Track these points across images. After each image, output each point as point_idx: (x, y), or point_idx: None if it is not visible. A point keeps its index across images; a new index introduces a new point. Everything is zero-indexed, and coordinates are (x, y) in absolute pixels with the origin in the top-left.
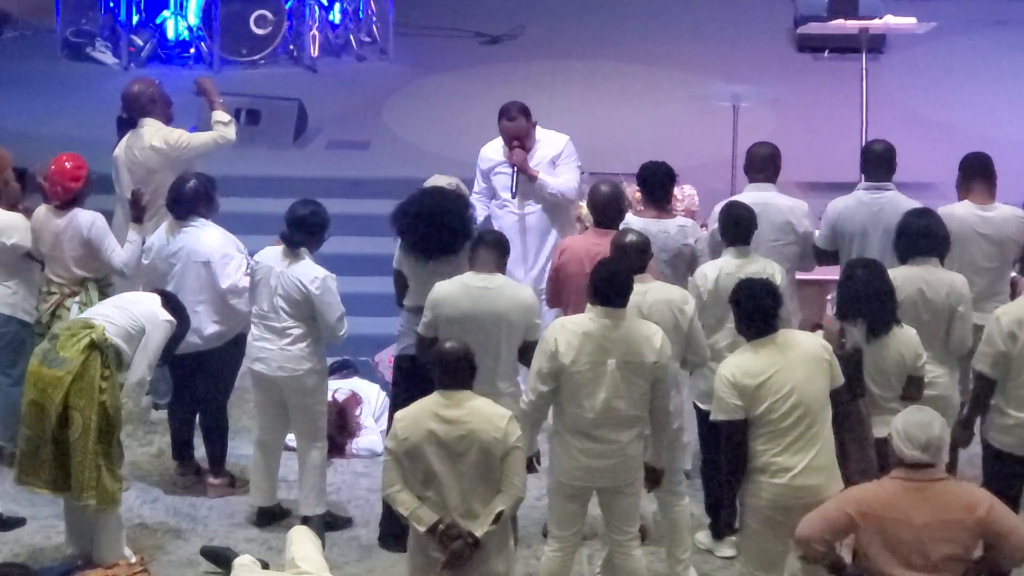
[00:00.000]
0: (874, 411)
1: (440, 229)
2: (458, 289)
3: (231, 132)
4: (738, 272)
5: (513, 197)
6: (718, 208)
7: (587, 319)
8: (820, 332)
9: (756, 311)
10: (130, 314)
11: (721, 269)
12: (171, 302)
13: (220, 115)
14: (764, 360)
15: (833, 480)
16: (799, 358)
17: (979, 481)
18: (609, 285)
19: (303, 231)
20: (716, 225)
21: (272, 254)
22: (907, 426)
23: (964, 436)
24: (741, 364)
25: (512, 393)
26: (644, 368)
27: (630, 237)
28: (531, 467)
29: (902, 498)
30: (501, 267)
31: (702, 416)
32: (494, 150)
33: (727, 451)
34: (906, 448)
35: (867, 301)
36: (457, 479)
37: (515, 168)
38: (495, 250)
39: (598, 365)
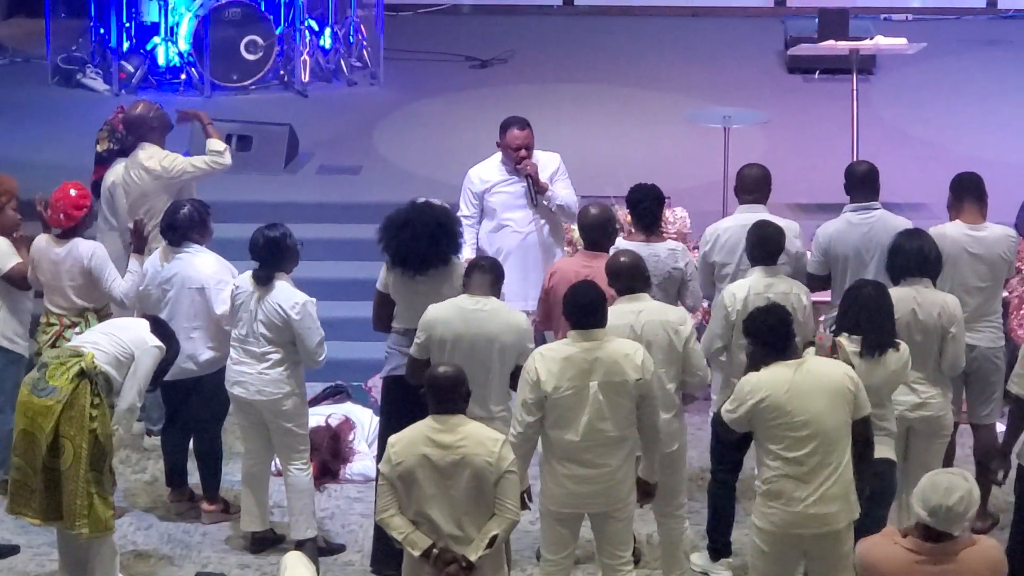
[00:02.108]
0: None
1: (425, 241)
2: (451, 311)
3: (226, 159)
4: (766, 292)
5: (535, 205)
6: (709, 230)
7: (565, 344)
8: (811, 348)
9: (769, 336)
10: (119, 340)
11: (750, 289)
12: (160, 327)
13: (215, 144)
14: (781, 384)
15: (846, 509)
16: (821, 388)
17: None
18: (580, 308)
19: (266, 260)
20: (708, 247)
21: (249, 279)
22: (927, 485)
23: (1003, 464)
24: (763, 381)
25: (504, 417)
26: (627, 387)
27: (621, 259)
28: (523, 504)
29: (914, 570)
30: (496, 292)
31: (720, 432)
32: (488, 170)
33: (720, 446)
34: (917, 506)
35: (872, 319)
36: (449, 503)
37: (529, 179)
38: (490, 275)
39: (581, 389)
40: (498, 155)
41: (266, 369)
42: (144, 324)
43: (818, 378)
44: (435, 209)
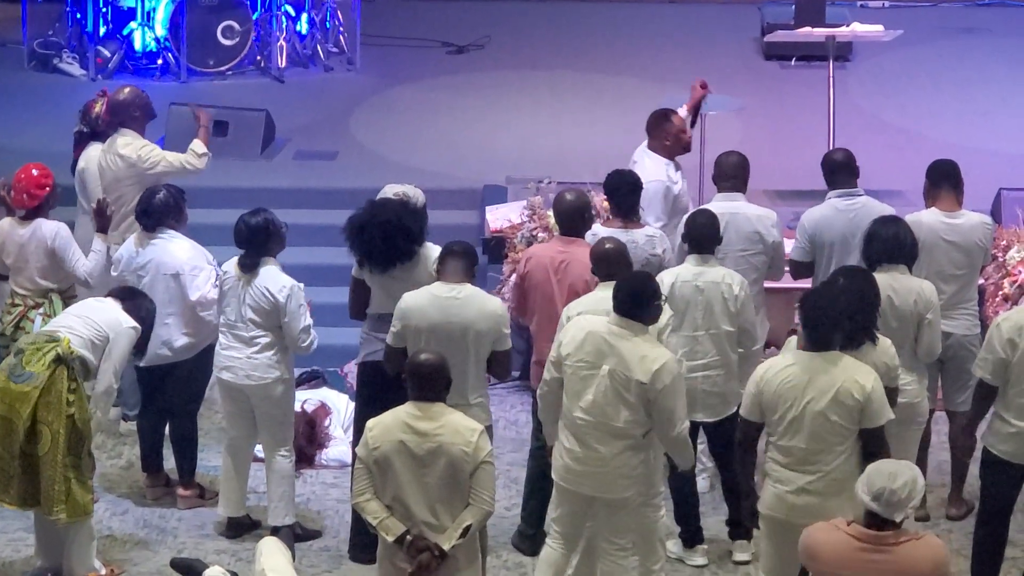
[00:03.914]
0: None
1: (382, 243)
2: (426, 299)
3: (201, 163)
4: (695, 280)
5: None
6: (686, 217)
7: (602, 320)
8: (794, 338)
9: (815, 323)
10: (93, 324)
11: (678, 276)
12: (132, 296)
13: (198, 145)
14: (796, 376)
15: (835, 507)
16: (830, 388)
17: (947, 489)
18: (627, 296)
19: (251, 247)
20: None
21: (235, 265)
22: (872, 471)
23: (967, 443)
24: (774, 369)
25: (481, 403)
26: (631, 385)
27: (607, 246)
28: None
29: (853, 557)
30: (470, 277)
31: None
32: (668, 169)
33: (738, 447)
34: (861, 491)
35: (840, 312)
36: (424, 491)
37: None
38: (463, 260)
39: (592, 367)
40: (650, 155)
41: (255, 353)
42: (117, 305)
43: (832, 378)
44: (391, 208)
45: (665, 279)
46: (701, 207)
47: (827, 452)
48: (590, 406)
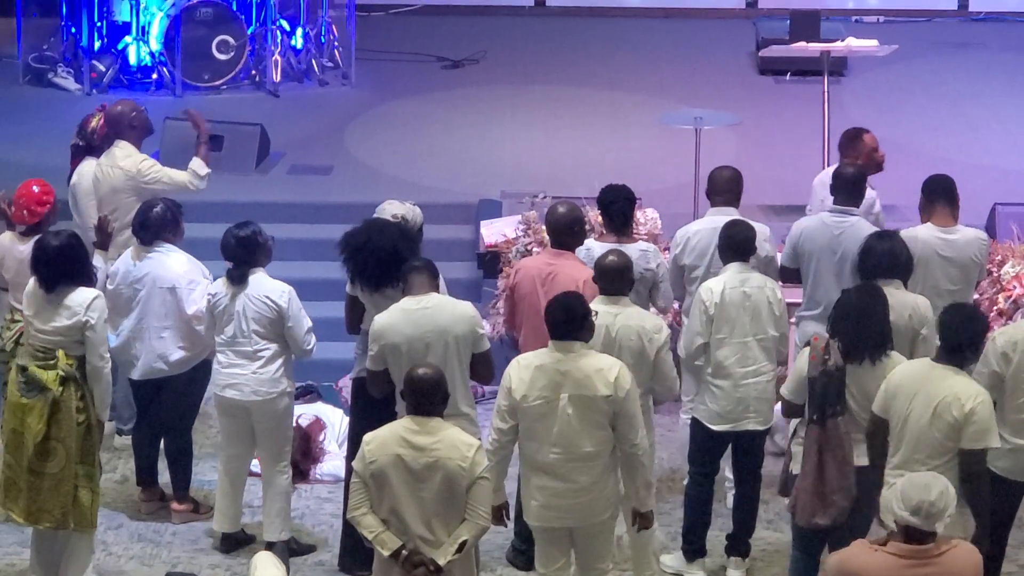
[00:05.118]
0: (856, 432)
1: (380, 266)
2: (398, 316)
3: (202, 184)
4: (742, 286)
5: None
6: (679, 233)
7: (542, 353)
8: (806, 350)
9: (952, 338)
10: (61, 327)
11: (726, 283)
12: (69, 278)
13: (199, 165)
14: (910, 381)
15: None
16: (933, 400)
17: None
18: (562, 319)
19: (240, 259)
20: (678, 250)
21: (224, 283)
22: (904, 485)
23: None
24: (900, 372)
25: (468, 415)
26: (597, 402)
27: (610, 258)
28: (500, 520)
29: (901, 575)
30: (435, 288)
31: (699, 434)
32: None
33: (867, 439)
34: (897, 507)
35: (845, 323)
36: (420, 505)
37: None
38: (425, 272)
39: (551, 400)
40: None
41: (260, 368)
42: (79, 291)
43: (937, 389)
44: (387, 234)
45: (714, 287)
46: (734, 219)
47: (921, 464)
48: (558, 438)
